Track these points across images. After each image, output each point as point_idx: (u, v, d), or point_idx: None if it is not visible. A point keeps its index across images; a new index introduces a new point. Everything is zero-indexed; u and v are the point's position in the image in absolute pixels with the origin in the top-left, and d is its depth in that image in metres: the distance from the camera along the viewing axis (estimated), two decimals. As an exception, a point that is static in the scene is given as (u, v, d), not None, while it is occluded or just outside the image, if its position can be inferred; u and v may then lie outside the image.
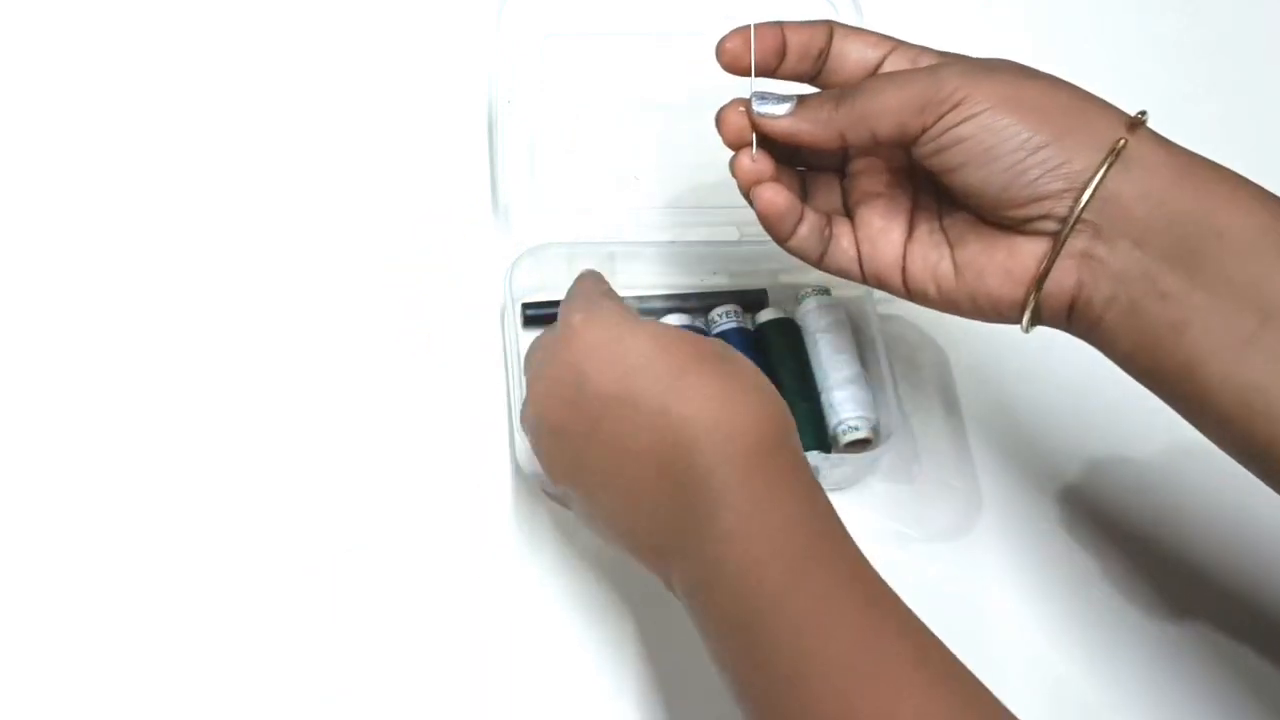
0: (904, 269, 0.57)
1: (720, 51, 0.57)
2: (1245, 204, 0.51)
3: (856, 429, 0.65)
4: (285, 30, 0.79)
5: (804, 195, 0.59)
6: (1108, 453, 0.69)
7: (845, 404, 0.66)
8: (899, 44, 0.56)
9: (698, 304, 0.71)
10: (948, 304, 0.56)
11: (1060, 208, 0.52)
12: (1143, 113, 0.52)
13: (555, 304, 0.69)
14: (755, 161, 0.57)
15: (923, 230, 0.57)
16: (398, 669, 0.62)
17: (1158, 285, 0.51)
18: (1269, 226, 0.50)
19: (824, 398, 0.67)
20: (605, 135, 0.73)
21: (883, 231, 0.57)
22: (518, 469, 0.66)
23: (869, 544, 0.65)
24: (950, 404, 0.70)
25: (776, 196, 0.57)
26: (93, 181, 0.74)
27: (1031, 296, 0.53)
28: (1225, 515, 0.67)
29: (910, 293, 0.57)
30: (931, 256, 0.56)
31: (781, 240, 0.57)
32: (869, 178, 0.58)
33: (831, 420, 0.66)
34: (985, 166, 0.52)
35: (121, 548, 0.64)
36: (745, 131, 0.57)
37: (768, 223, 0.57)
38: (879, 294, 0.69)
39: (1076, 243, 0.52)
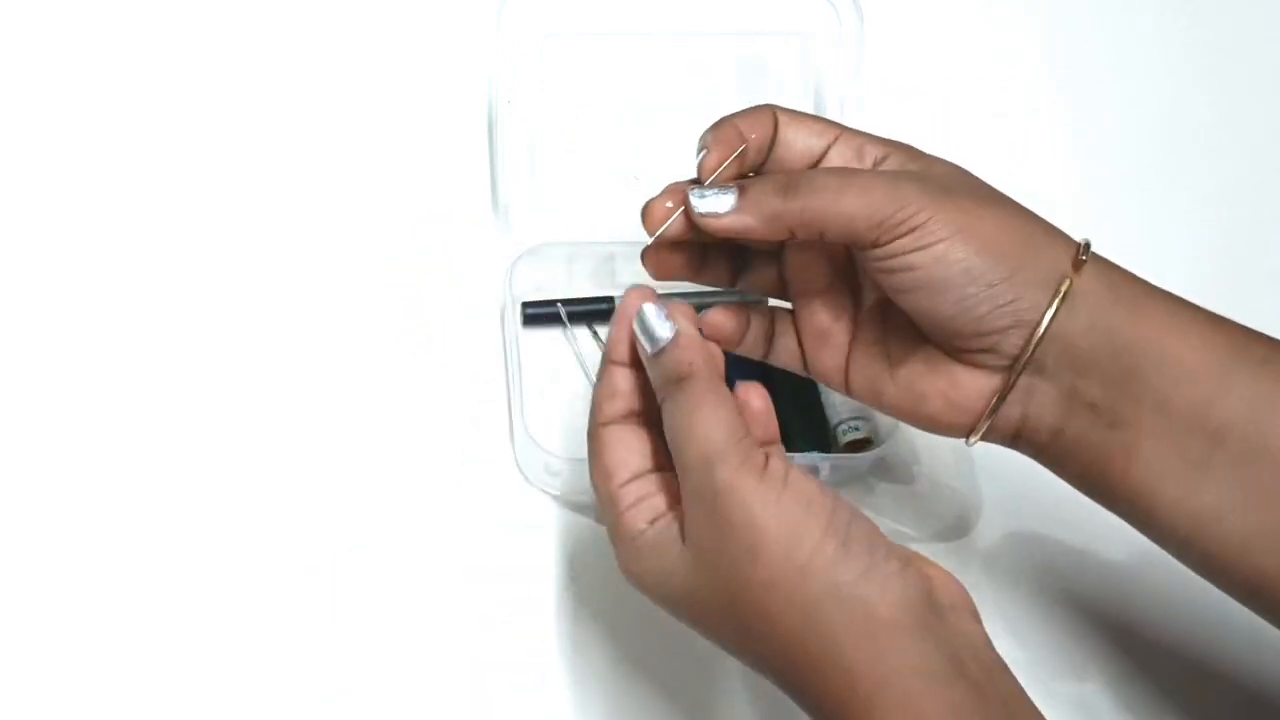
0: (847, 376, 0.55)
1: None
2: (1187, 329, 0.50)
3: (856, 429, 0.66)
4: (286, 31, 0.79)
5: (738, 267, 0.57)
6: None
7: (845, 404, 0.66)
8: (843, 131, 0.54)
9: (700, 304, 0.71)
10: (891, 413, 0.55)
11: (1006, 344, 0.51)
12: (1087, 243, 0.51)
13: (554, 303, 0.69)
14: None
15: (866, 338, 0.55)
16: (397, 669, 0.62)
17: (1104, 415, 0.51)
18: (1212, 351, 0.50)
19: (824, 398, 0.67)
20: (605, 135, 0.73)
21: (826, 335, 0.55)
22: (518, 469, 0.66)
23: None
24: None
25: (725, 321, 0.55)
26: (91, 183, 0.73)
27: (979, 425, 0.53)
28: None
29: (853, 395, 0.56)
30: (872, 370, 0.55)
31: (728, 348, 0.55)
32: (810, 270, 0.55)
33: (831, 420, 0.66)
34: (935, 296, 0.50)
35: (122, 547, 0.64)
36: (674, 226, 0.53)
37: (713, 338, 0.54)
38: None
39: (1021, 378, 0.51)
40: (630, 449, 0.51)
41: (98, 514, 0.65)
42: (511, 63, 0.72)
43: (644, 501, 0.50)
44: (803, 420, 0.67)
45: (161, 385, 0.68)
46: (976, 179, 0.53)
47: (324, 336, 0.70)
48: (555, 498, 0.66)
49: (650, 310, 0.50)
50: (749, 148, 0.53)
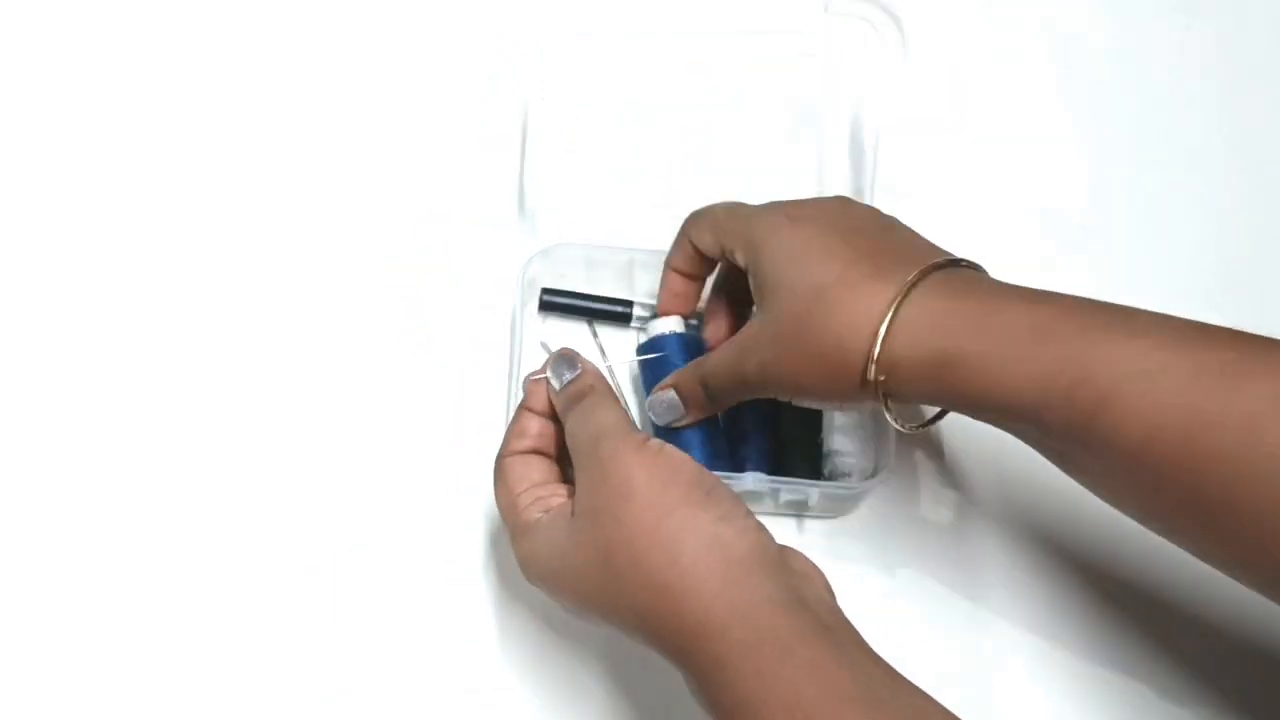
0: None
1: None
2: (980, 332, 0.55)
3: (849, 475, 0.65)
4: (319, 31, 0.79)
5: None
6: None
7: (843, 447, 0.66)
8: (685, 239, 0.65)
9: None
10: None
11: (867, 397, 0.57)
12: (912, 284, 0.56)
13: (572, 294, 0.70)
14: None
15: None
16: (396, 669, 0.63)
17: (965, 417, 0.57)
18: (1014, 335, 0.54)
19: (825, 436, 0.67)
20: (635, 137, 0.73)
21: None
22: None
23: (865, 568, 0.65)
24: (951, 427, 0.69)
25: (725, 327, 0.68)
26: (111, 189, 0.74)
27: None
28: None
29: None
30: None
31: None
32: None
33: (828, 463, 0.66)
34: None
35: (122, 546, 0.65)
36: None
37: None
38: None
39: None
40: (530, 469, 0.58)
41: (99, 513, 0.66)
42: (546, 62, 0.71)
43: (540, 501, 0.57)
44: (800, 451, 0.67)
45: (169, 383, 0.69)
46: (797, 305, 0.58)
47: (333, 335, 0.70)
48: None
49: (562, 356, 0.59)
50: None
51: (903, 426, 0.58)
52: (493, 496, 0.61)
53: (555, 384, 0.59)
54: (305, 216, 0.73)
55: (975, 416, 0.56)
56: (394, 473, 0.67)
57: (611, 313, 0.70)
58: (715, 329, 0.67)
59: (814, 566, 0.54)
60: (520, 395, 0.64)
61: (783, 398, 0.61)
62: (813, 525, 0.67)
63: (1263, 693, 0.64)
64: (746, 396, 0.62)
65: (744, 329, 0.61)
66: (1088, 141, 0.77)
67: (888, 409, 0.57)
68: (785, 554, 0.53)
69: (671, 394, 0.64)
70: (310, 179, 0.75)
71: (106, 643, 0.63)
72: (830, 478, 0.66)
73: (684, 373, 0.64)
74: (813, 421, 0.67)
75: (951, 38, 0.78)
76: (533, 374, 0.60)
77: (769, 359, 0.59)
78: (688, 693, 0.51)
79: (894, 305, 0.55)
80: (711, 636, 0.49)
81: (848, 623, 0.51)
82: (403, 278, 0.72)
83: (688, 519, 0.51)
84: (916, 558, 0.66)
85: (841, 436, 0.66)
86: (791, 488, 0.64)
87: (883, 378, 0.55)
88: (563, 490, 0.58)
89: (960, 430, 0.69)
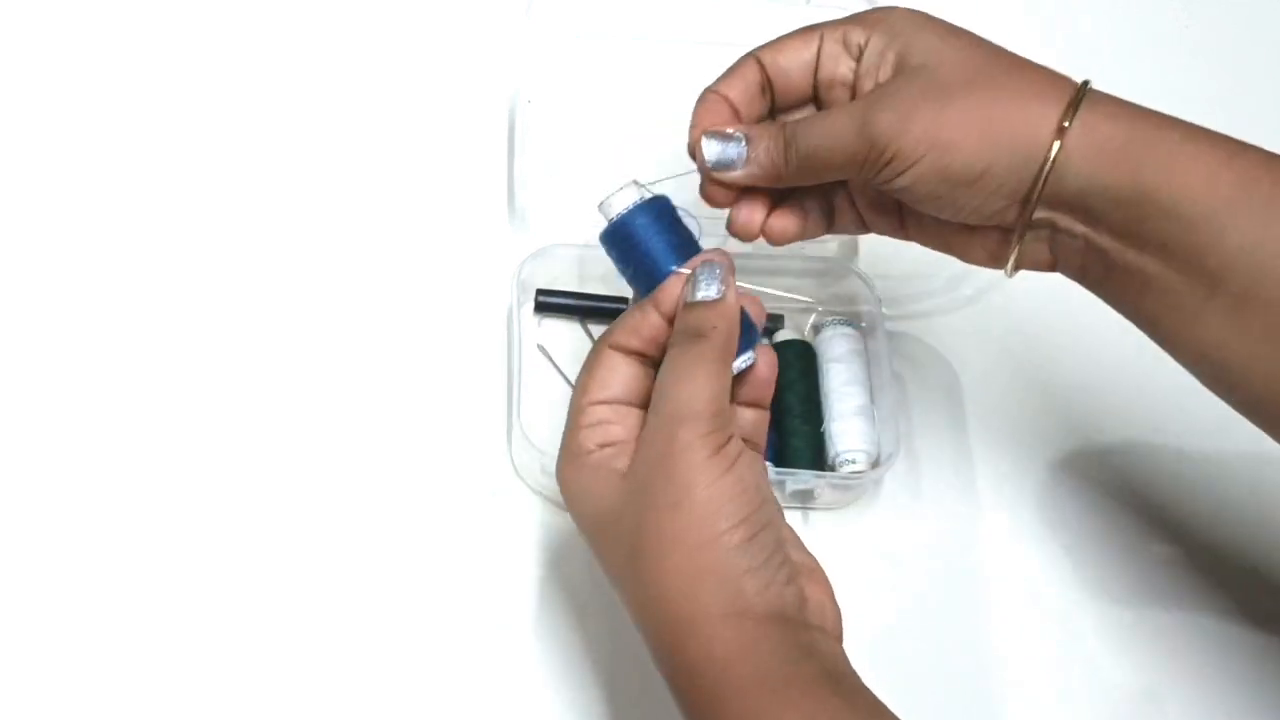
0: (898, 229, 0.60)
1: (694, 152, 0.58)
2: (1189, 170, 0.51)
3: (853, 462, 0.65)
4: (308, 31, 0.79)
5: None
6: (1113, 473, 0.69)
7: (847, 436, 0.66)
8: (824, 29, 0.58)
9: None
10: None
11: (1008, 218, 0.54)
12: (1076, 98, 0.52)
13: (568, 294, 0.70)
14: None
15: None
16: (394, 670, 0.62)
17: (1116, 258, 0.53)
18: (1214, 191, 0.51)
19: (827, 425, 0.67)
20: (623, 140, 0.73)
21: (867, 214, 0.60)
22: (514, 469, 0.66)
23: (868, 563, 0.65)
24: (957, 422, 0.69)
25: (790, 226, 0.59)
26: (104, 187, 0.73)
27: (1006, 267, 0.56)
28: (1235, 539, 0.66)
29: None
30: (916, 227, 0.59)
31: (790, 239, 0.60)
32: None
33: (831, 450, 0.66)
34: (929, 202, 0.55)
35: (121, 546, 0.64)
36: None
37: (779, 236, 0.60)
38: (890, 311, 0.70)
39: (1039, 231, 0.55)
40: (618, 376, 0.54)
41: (98, 513, 0.65)
42: (533, 65, 0.72)
43: (601, 426, 0.53)
44: (804, 443, 0.67)
45: (170, 382, 0.68)
46: (949, 57, 0.54)
47: (328, 335, 0.70)
48: (549, 499, 0.65)
49: (714, 267, 0.53)
50: (741, 113, 0.57)
51: (1009, 269, 0.56)
52: (487, 495, 0.61)
53: (692, 292, 0.53)
54: (292, 225, 0.73)
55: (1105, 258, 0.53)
56: (391, 469, 0.66)
57: (608, 311, 0.70)
58: (769, 152, 0.56)
59: (832, 614, 0.52)
60: (517, 395, 0.65)
61: (892, 178, 0.54)
62: (818, 518, 0.67)
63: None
64: (837, 169, 0.55)
65: (873, 90, 0.55)
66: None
67: (1024, 224, 0.53)
68: (805, 608, 0.51)
69: (739, 136, 0.56)
70: (298, 187, 0.74)
71: (101, 638, 0.61)
72: (835, 468, 0.66)
73: (766, 124, 0.57)
74: (816, 413, 0.67)
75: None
76: (679, 268, 0.54)
77: (917, 109, 0.53)
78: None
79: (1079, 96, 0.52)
80: (711, 671, 0.49)
81: (856, 676, 0.50)
82: (395, 282, 0.71)
83: (720, 560, 0.49)
84: (924, 548, 0.66)
85: (846, 426, 0.66)
86: (797, 479, 0.64)
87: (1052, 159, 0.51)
88: (624, 424, 0.54)
89: (967, 418, 0.70)
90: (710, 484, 0.50)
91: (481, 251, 0.73)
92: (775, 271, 0.72)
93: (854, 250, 0.73)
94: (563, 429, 0.54)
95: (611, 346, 0.54)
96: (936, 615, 0.65)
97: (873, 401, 0.67)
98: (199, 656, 0.61)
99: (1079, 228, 0.53)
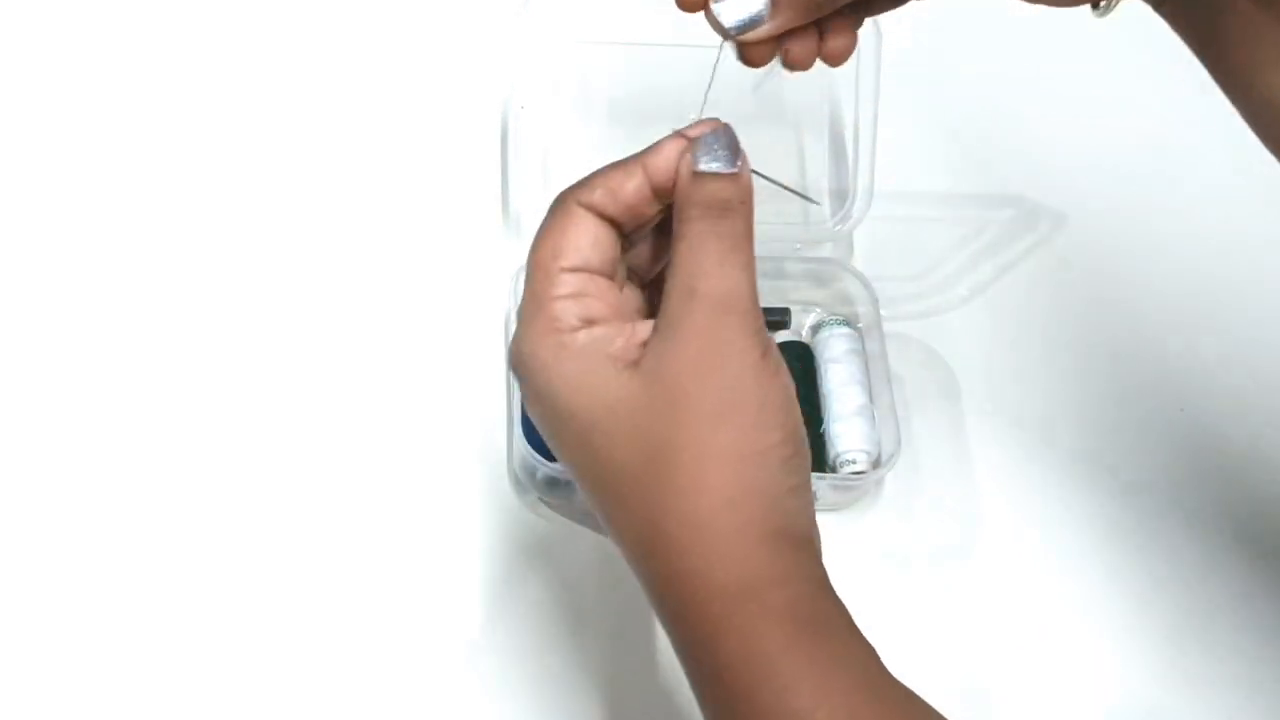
0: None
1: None
2: None
3: (854, 463, 0.65)
4: (301, 36, 0.79)
5: None
6: (1113, 474, 0.69)
7: (846, 437, 0.66)
8: None
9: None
10: None
11: None
12: None
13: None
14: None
15: None
16: (393, 673, 0.62)
17: (1202, 5, 0.48)
18: None
19: (827, 426, 0.67)
20: (617, 145, 0.72)
21: None
22: (515, 478, 0.66)
23: (868, 564, 0.65)
24: (956, 425, 0.69)
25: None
26: (97, 188, 0.74)
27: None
28: (1235, 540, 0.66)
29: None
30: None
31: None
32: None
33: (831, 450, 0.66)
34: None
35: (119, 546, 0.64)
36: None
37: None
38: (887, 311, 0.70)
39: None
40: (594, 242, 0.46)
41: (97, 512, 0.65)
42: (525, 70, 0.72)
43: (581, 299, 0.45)
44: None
45: (168, 383, 0.68)
46: None
47: (325, 341, 0.70)
48: (549, 506, 0.65)
49: (725, 135, 0.45)
50: None
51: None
52: (487, 503, 0.60)
53: (701, 164, 0.45)
54: (286, 233, 0.73)
55: None
56: (392, 482, 0.66)
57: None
58: None
59: None
60: (516, 403, 0.64)
61: None
62: (819, 519, 0.66)
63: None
64: None
65: None
66: (1071, 139, 0.78)
67: None
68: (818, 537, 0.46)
69: None
70: (293, 196, 0.74)
71: (95, 636, 0.61)
72: (835, 469, 0.66)
73: None
74: (814, 414, 0.67)
75: (930, 34, 0.79)
76: (682, 129, 0.46)
77: None
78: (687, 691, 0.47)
79: None
80: (742, 598, 0.43)
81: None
82: (391, 289, 0.72)
83: (769, 477, 0.43)
84: (924, 548, 0.66)
85: (845, 426, 0.66)
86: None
87: None
88: (611, 298, 0.46)
89: (966, 418, 0.70)
90: (765, 390, 0.44)
91: (476, 257, 0.73)
92: (774, 273, 0.72)
93: (850, 250, 0.73)
94: (523, 297, 0.46)
95: (582, 205, 0.46)
96: (936, 615, 0.65)
97: (871, 401, 0.67)
98: (195, 658, 0.61)
99: None
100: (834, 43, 0.49)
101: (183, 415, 0.67)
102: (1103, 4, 0.49)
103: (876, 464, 0.65)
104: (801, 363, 0.69)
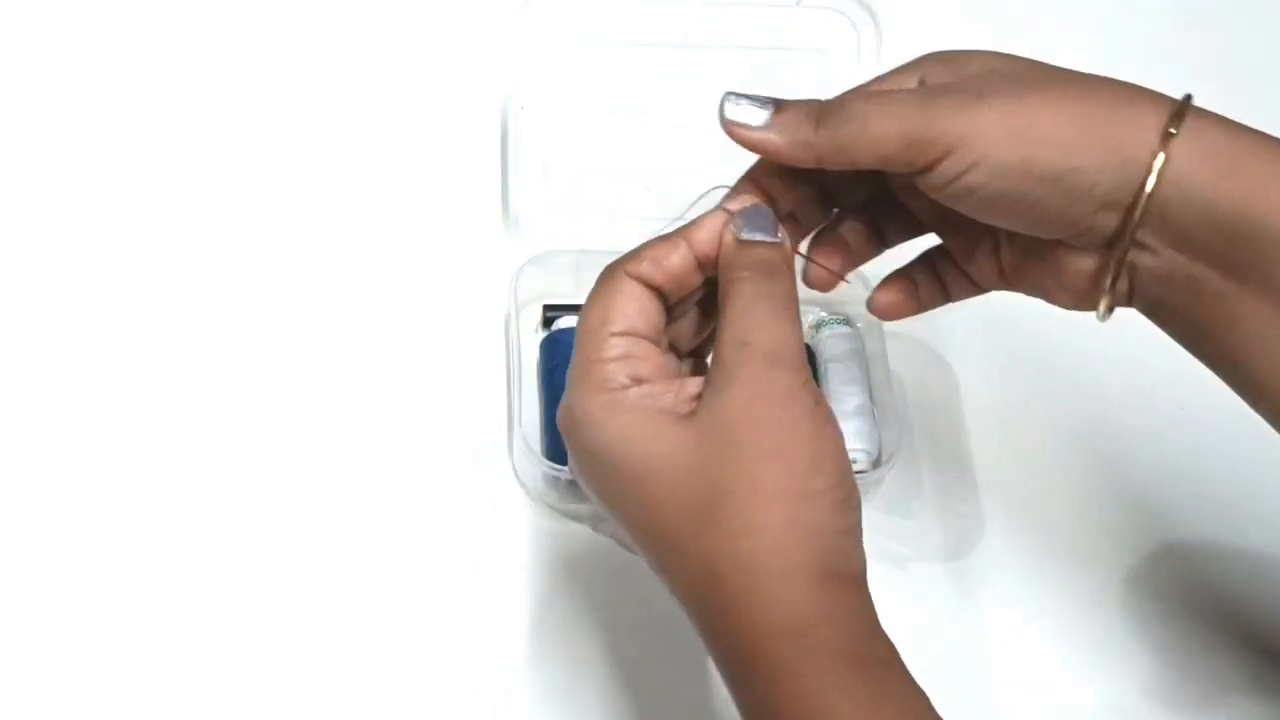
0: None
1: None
2: None
3: (855, 462, 0.65)
4: (300, 37, 0.79)
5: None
6: (1114, 477, 0.68)
7: (847, 436, 0.65)
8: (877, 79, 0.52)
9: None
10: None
11: (1102, 223, 0.48)
12: (1180, 108, 0.47)
13: (575, 308, 0.69)
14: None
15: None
16: (391, 677, 0.62)
17: (1206, 287, 0.48)
18: None
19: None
20: (617, 145, 0.73)
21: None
22: (516, 477, 0.66)
23: (868, 564, 0.65)
24: (956, 424, 0.69)
25: (896, 302, 0.56)
26: (100, 186, 0.74)
27: (1099, 303, 0.51)
28: (1235, 541, 0.66)
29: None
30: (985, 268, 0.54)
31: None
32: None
33: None
34: (1005, 211, 0.48)
35: (111, 548, 0.64)
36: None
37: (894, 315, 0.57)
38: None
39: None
40: (642, 310, 0.48)
41: (96, 511, 0.65)
42: (526, 70, 0.72)
43: (629, 359, 0.47)
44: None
45: (165, 383, 0.68)
46: (1022, 62, 0.49)
47: (325, 341, 0.70)
48: (552, 508, 0.65)
49: (766, 210, 0.49)
50: None
51: (1104, 308, 0.50)
52: (489, 504, 0.60)
53: (744, 234, 0.48)
54: (285, 234, 0.73)
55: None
56: (390, 477, 0.66)
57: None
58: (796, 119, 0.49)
59: None
60: (517, 404, 0.64)
61: (957, 173, 0.47)
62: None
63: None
64: (879, 156, 0.48)
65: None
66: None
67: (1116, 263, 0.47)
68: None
69: (766, 100, 0.50)
70: (291, 196, 0.74)
71: (90, 634, 0.61)
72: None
73: (794, 111, 0.49)
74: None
75: (929, 30, 0.79)
76: (721, 202, 0.49)
77: (994, 92, 0.46)
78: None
79: (1177, 118, 0.46)
80: (793, 637, 0.44)
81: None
82: (390, 291, 0.72)
83: (823, 518, 0.45)
84: (924, 548, 0.66)
85: (846, 426, 0.65)
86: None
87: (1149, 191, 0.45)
88: (657, 359, 0.48)
89: (966, 418, 0.70)
90: (817, 435, 0.45)
91: (477, 258, 0.73)
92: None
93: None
94: (573, 362, 0.48)
95: (629, 274, 0.48)
96: (937, 615, 0.65)
97: (872, 401, 0.67)
98: (191, 658, 0.61)
99: (1169, 251, 0.48)
100: (883, 296, 0.56)
101: (180, 416, 0.67)
102: (1101, 310, 0.51)
103: (877, 464, 0.65)
104: (801, 362, 0.69)
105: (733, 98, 0.50)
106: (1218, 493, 0.67)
